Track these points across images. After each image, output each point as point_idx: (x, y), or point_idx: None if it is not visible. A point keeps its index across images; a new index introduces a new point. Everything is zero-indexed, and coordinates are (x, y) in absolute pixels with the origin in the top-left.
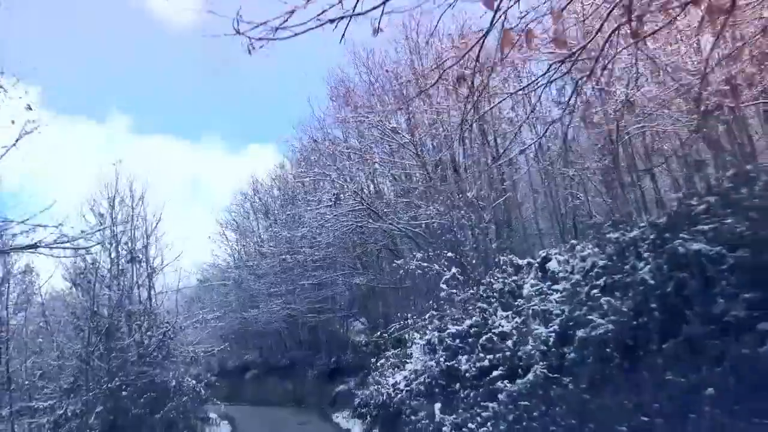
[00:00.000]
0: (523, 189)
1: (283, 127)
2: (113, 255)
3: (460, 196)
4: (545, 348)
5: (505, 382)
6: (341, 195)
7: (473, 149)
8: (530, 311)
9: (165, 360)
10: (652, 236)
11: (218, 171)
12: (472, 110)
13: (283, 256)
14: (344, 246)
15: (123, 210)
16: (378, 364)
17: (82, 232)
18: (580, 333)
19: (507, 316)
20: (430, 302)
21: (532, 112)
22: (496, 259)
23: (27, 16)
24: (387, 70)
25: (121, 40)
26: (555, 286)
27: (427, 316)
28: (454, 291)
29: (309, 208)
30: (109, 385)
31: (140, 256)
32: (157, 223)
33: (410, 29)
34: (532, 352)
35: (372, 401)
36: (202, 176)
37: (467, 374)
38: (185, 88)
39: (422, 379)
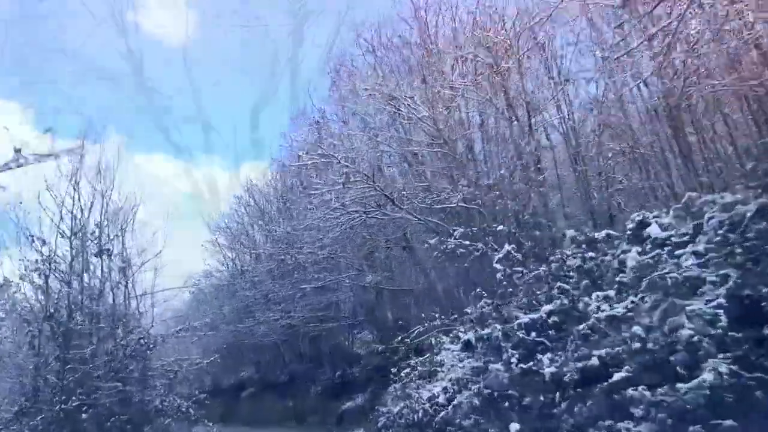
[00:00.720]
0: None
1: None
2: (75, 244)
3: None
4: (719, 332)
5: (640, 388)
6: (350, 175)
7: (497, 126)
8: (668, 281)
9: (144, 375)
10: None
11: (214, 189)
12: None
13: (282, 256)
14: (350, 244)
15: (89, 192)
16: (402, 374)
17: None
18: None
19: (605, 297)
20: (478, 290)
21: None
22: (561, 234)
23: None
24: (399, 36)
25: (115, 60)
26: (685, 250)
27: (479, 306)
28: (521, 269)
29: (314, 190)
30: (64, 406)
31: (111, 248)
32: (134, 209)
33: (419, 7)
34: (695, 339)
35: (402, 420)
36: (198, 195)
37: (564, 379)
38: (181, 106)
39: (475, 390)
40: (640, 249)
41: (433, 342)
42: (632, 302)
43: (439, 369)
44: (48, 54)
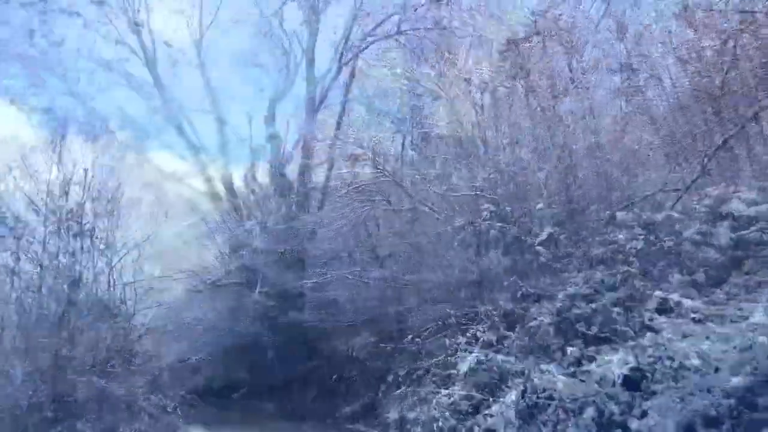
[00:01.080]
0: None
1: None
2: (51, 221)
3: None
4: None
5: None
6: (358, 158)
7: (513, 110)
8: None
9: (126, 371)
10: None
11: (228, 187)
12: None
13: (281, 249)
14: (354, 237)
15: (70, 167)
16: (414, 377)
17: None
18: None
19: (691, 282)
20: (513, 278)
21: None
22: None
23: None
24: (415, 10)
25: (129, 59)
26: None
27: (518, 295)
28: (571, 250)
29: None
30: (26, 402)
31: (93, 228)
32: (120, 189)
33: None
34: None
35: (419, 429)
36: (207, 192)
37: (645, 378)
38: (195, 104)
39: (514, 396)
40: (727, 225)
41: (447, 343)
42: (735, 285)
43: (454, 371)
44: (57, 54)
